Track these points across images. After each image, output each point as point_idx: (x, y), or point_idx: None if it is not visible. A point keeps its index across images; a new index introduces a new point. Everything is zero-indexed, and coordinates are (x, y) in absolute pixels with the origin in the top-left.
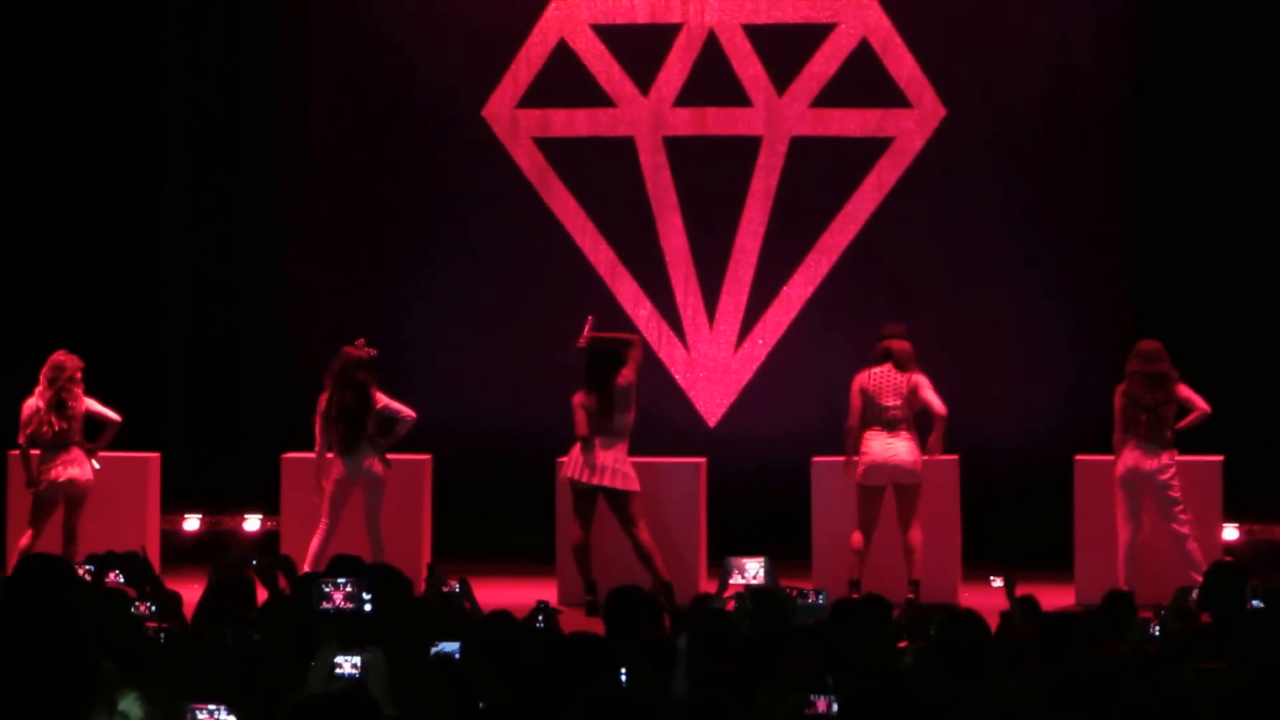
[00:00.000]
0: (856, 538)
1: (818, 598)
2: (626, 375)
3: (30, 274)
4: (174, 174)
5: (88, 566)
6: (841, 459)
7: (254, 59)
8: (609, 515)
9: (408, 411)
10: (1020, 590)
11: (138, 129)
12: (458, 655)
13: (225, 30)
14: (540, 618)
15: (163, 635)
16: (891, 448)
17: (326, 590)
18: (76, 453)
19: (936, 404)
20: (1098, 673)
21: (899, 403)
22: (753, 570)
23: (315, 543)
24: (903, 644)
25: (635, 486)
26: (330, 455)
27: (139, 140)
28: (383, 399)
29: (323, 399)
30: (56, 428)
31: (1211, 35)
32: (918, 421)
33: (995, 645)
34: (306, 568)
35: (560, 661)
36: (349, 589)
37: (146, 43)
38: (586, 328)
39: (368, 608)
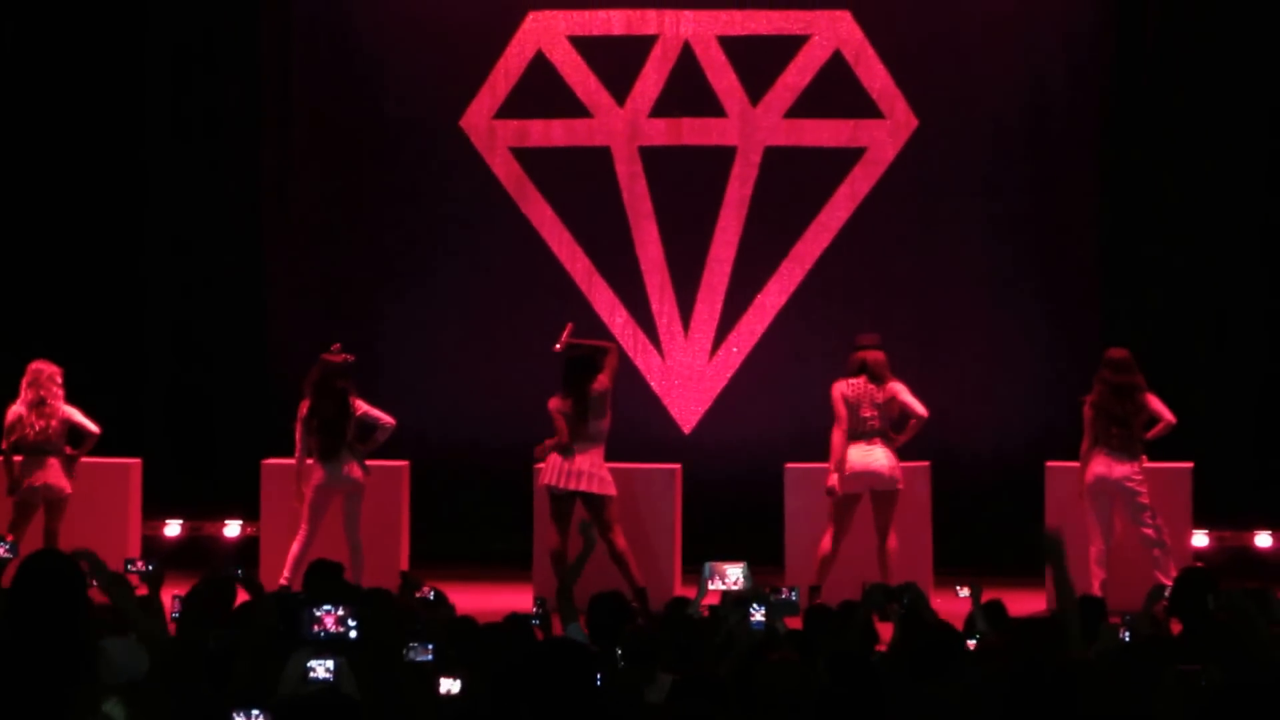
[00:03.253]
0: (826, 544)
1: (790, 594)
2: (602, 382)
3: (10, 280)
4: (156, 181)
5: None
6: (819, 465)
7: (234, 69)
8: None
9: (387, 419)
10: (990, 596)
11: (119, 136)
12: (431, 660)
13: (206, 40)
14: (538, 611)
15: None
16: (870, 456)
17: (317, 615)
18: (55, 459)
19: (917, 406)
20: (1057, 677)
21: (875, 414)
22: (732, 576)
23: (294, 549)
24: (880, 646)
25: (612, 491)
26: (310, 462)
27: (120, 147)
28: (362, 406)
29: (303, 407)
30: (38, 427)
31: (1181, 45)
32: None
33: (960, 649)
34: (286, 574)
35: (536, 667)
36: (339, 614)
37: (128, 52)
38: (565, 333)
39: (353, 635)
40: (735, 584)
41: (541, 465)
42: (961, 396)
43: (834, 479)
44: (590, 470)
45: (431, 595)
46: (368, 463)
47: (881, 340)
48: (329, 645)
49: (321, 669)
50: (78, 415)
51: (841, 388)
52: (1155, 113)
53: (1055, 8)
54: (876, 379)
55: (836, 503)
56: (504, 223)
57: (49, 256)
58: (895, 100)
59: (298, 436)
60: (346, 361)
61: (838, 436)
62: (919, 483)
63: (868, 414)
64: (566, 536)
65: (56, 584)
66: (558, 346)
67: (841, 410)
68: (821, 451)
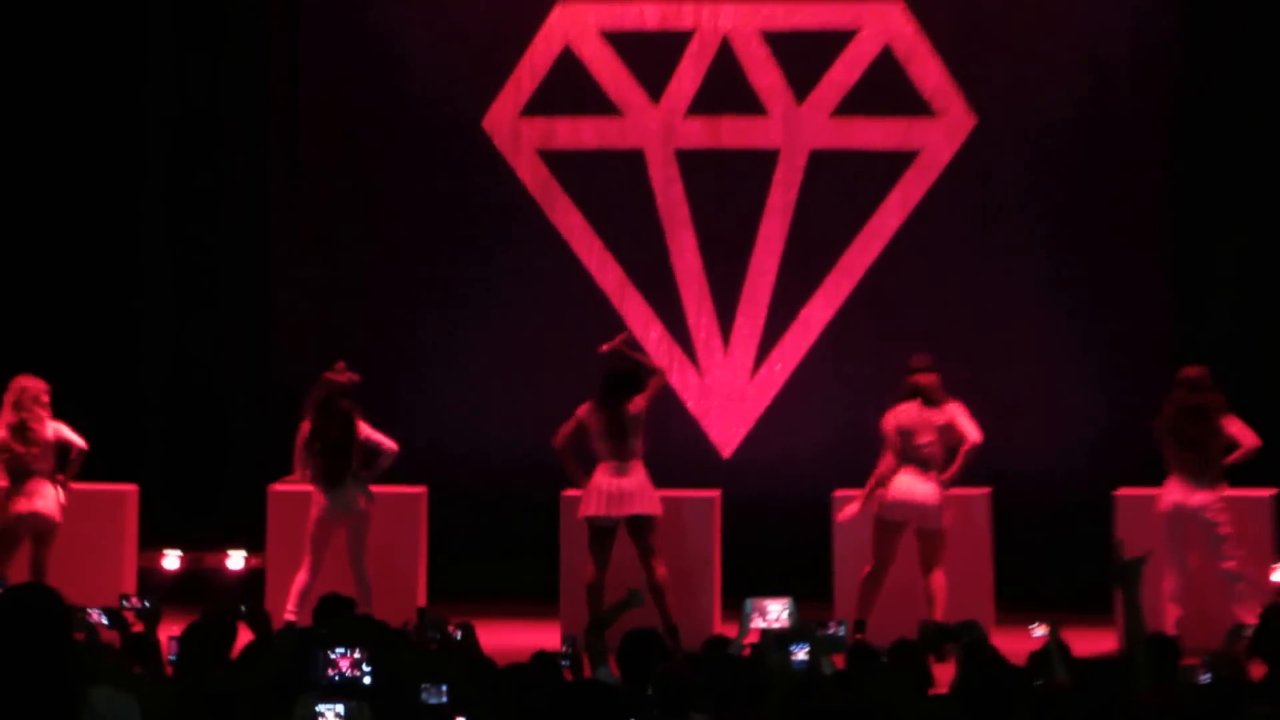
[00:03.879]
0: (868, 573)
1: (838, 628)
2: (638, 404)
3: (1, 293)
4: (156, 192)
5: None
6: (862, 492)
7: (242, 69)
8: (620, 549)
9: (389, 443)
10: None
11: (119, 148)
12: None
13: (212, 34)
14: (566, 650)
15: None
16: (914, 487)
17: (331, 658)
18: (42, 484)
19: (970, 431)
20: None
21: (933, 439)
22: (775, 612)
23: (299, 582)
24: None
25: (659, 510)
26: (311, 487)
27: (119, 159)
28: (365, 429)
29: (304, 428)
30: (20, 453)
31: (1253, 39)
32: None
33: (1025, 692)
34: (291, 608)
35: (563, 711)
36: (355, 656)
37: (130, 57)
38: (619, 339)
39: (367, 680)
40: (778, 621)
41: (575, 492)
42: (1023, 417)
43: (860, 505)
44: (638, 490)
45: (460, 634)
46: (372, 489)
47: (934, 361)
48: (342, 690)
49: (331, 714)
50: (64, 430)
51: (894, 417)
52: (1229, 107)
53: None
54: (931, 402)
55: (878, 531)
56: (529, 230)
57: (39, 266)
58: (951, 98)
59: (296, 459)
60: (351, 381)
61: (885, 464)
62: (978, 511)
63: (924, 440)
64: (605, 569)
65: (38, 621)
66: (605, 347)
67: (895, 440)
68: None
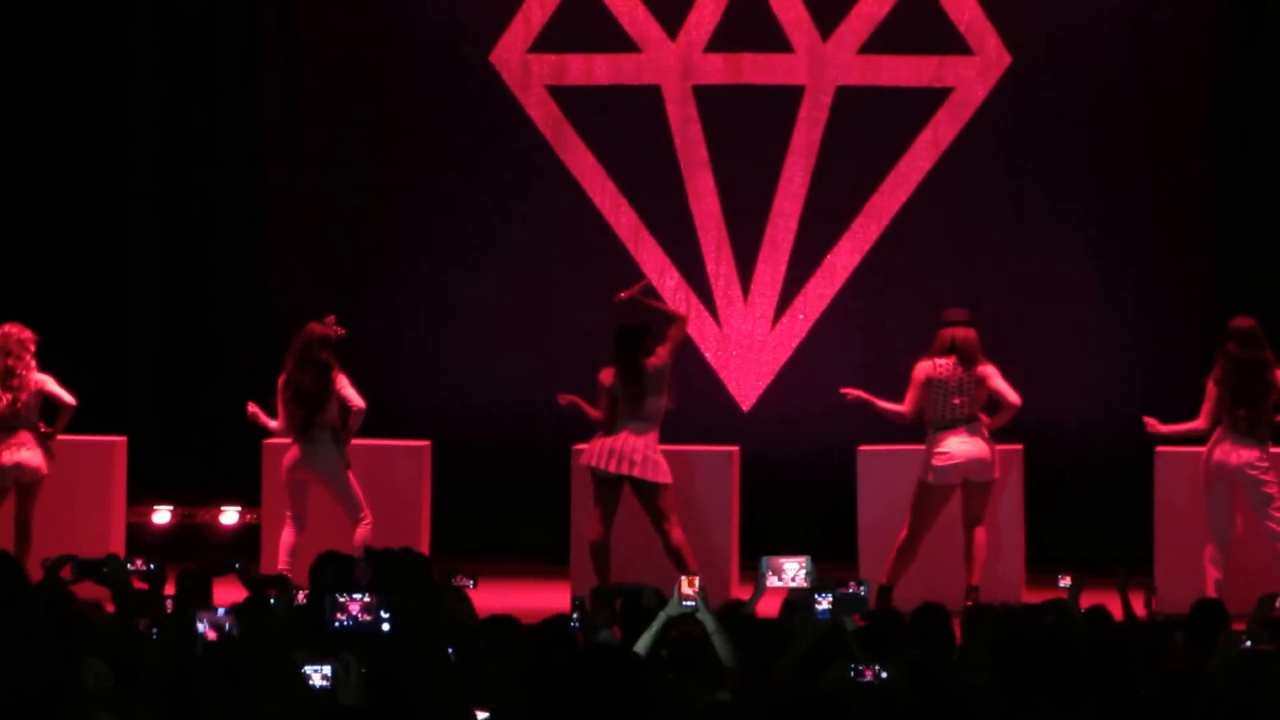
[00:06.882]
0: (904, 538)
1: (859, 589)
2: (660, 356)
3: None
4: (147, 135)
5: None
6: (896, 447)
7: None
8: (629, 510)
9: (357, 402)
10: (1092, 598)
11: (109, 88)
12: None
13: None
14: (576, 614)
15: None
16: (967, 444)
17: (340, 601)
18: (26, 436)
19: (1009, 393)
20: (1167, 690)
21: (963, 400)
22: (791, 572)
23: (287, 538)
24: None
25: (667, 479)
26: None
27: (110, 101)
28: (341, 384)
29: (283, 378)
30: (6, 400)
31: None
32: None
33: (1055, 659)
34: (283, 566)
35: (578, 673)
36: (366, 601)
37: None
38: (637, 287)
39: (386, 627)
40: (795, 580)
41: (583, 445)
42: (1060, 370)
43: (863, 395)
44: (644, 454)
45: (473, 583)
46: (366, 443)
47: (972, 316)
48: (357, 638)
49: (317, 676)
50: (52, 384)
51: (926, 368)
52: (1276, 45)
53: None
54: (967, 361)
55: (930, 498)
56: (539, 171)
57: (22, 210)
58: (985, 34)
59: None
60: (336, 335)
61: (899, 409)
62: (1012, 469)
63: (956, 400)
64: (610, 527)
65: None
66: (622, 295)
67: (915, 393)
68: (899, 431)
